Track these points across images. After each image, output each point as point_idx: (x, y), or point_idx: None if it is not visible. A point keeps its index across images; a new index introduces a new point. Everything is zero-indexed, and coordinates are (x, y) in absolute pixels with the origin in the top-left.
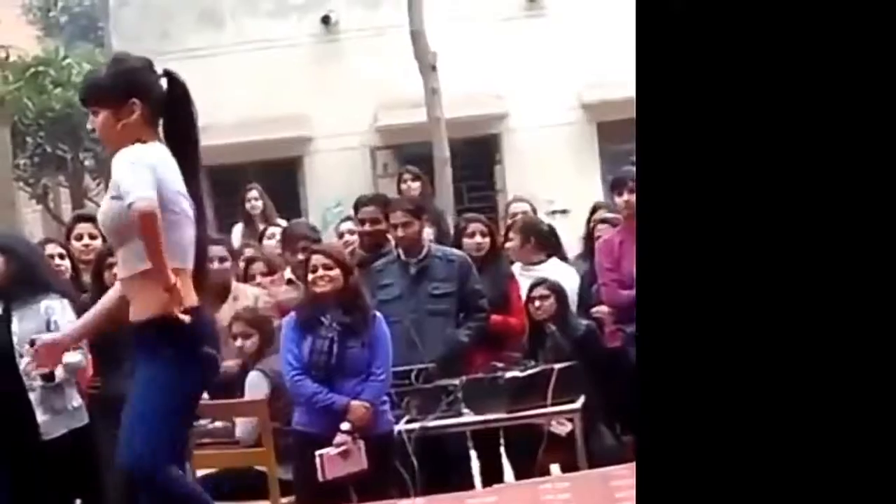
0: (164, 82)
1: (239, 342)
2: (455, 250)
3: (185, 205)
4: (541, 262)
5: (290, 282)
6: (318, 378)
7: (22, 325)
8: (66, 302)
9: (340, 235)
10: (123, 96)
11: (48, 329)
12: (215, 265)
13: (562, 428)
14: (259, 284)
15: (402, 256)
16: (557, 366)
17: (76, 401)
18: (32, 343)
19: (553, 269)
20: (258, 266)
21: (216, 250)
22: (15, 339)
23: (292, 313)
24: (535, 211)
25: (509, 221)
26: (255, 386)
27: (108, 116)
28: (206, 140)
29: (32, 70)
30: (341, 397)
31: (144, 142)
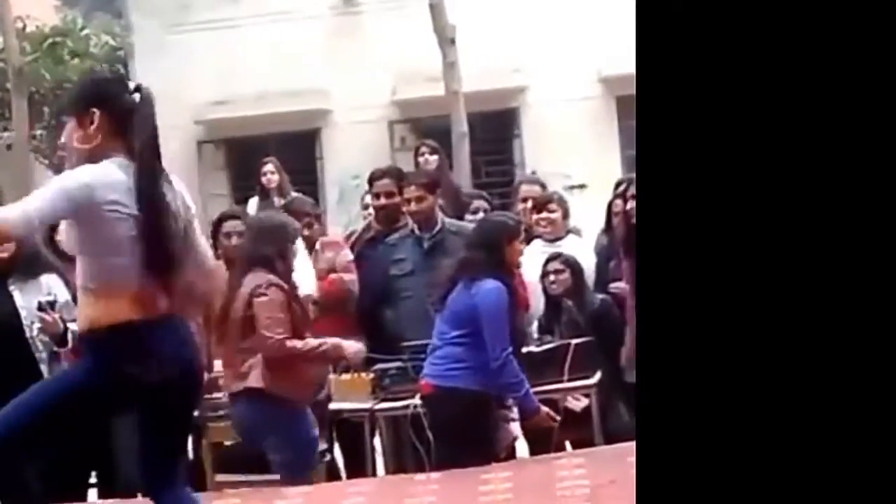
0: (136, 97)
1: None
2: (469, 225)
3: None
4: (561, 238)
5: None
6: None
7: (26, 300)
8: (59, 277)
9: (366, 207)
10: (84, 106)
11: None
12: (233, 240)
13: (578, 403)
14: None
15: (416, 231)
16: (574, 341)
17: None
18: (41, 307)
19: (572, 245)
20: None
21: (233, 225)
22: (24, 313)
23: (500, 284)
24: (544, 189)
25: (529, 203)
26: None
27: (72, 126)
28: (224, 113)
29: (50, 41)
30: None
31: (103, 158)
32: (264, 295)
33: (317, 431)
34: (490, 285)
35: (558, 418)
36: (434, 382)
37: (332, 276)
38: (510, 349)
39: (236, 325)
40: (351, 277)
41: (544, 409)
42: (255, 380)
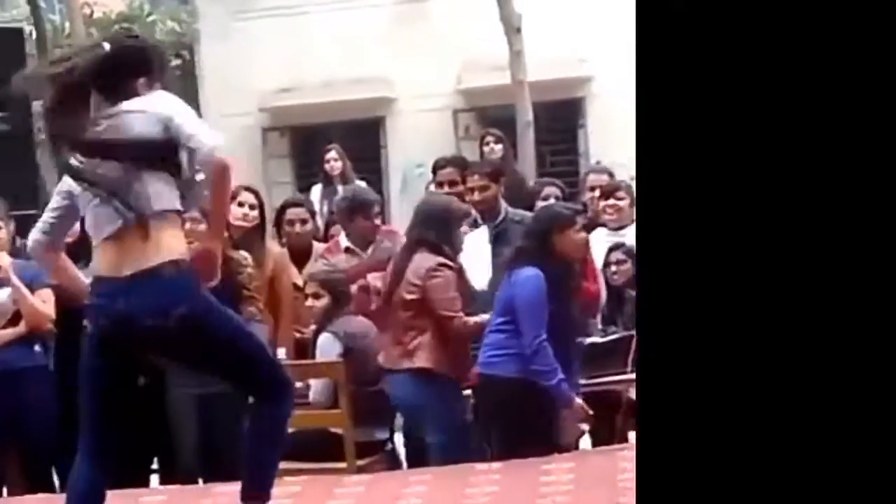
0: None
1: (310, 302)
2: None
3: None
4: (626, 225)
5: (347, 250)
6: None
7: None
8: None
9: None
10: None
11: None
12: (296, 227)
13: None
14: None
15: (479, 220)
16: None
17: None
18: None
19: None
20: (340, 227)
21: (296, 212)
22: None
23: (538, 271)
24: (612, 178)
25: (597, 192)
26: (326, 348)
27: None
28: (290, 100)
29: (116, 27)
30: (571, 392)
31: None
32: (437, 276)
33: (471, 417)
34: (527, 273)
35: (591, 412)
36: (480, 370)
37: None
38: (543, 336)
39: (403, 305)
40: None
41: (578, 401)
42: (422, 360)
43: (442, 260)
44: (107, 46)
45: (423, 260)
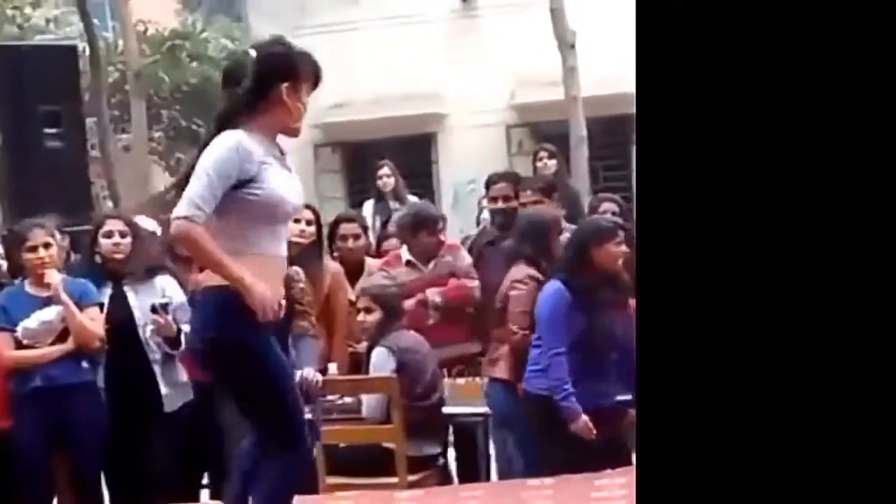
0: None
1: (361, 317)
2: None
3: None
4: None
5: (408, 263)
6: (587, 359)
7: (141, 301)
8: (173, 279)
9: (482, 211)
10: None
11: None
12: (349, 242)
13: None
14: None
15: None
16: None
17: (185, 375)
18: (154, 309)
19: None
20: (392, 242)
21: (349, 227)
22: (137, 314)
23: (560, 285)
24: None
25: None
26: (380, 363)
27: None
28: (341, 116)
29: (169, 44)
30: (577, 406)
31: None
32: (520, 289)
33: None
34: (550, 287)
35: (594, 431)
36: (524, 386)
37: (456, 282)
38: (558, 350)
39: (495, 315)
40: (475, 283)
41: (584, 418)
42: (502, 370)
43: (531, 272)
44: (253, 52)
45: (517, 272)
